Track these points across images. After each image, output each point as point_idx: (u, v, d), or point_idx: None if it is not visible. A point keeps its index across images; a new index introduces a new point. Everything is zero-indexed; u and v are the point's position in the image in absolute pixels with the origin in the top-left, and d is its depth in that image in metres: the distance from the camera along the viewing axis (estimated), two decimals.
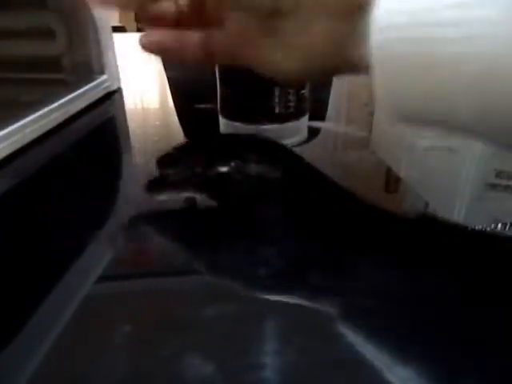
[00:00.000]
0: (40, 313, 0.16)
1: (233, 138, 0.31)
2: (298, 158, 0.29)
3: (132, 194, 0.25)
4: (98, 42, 0.38)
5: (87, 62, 0.39)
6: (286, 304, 0.16)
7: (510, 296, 0.17)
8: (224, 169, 0.26)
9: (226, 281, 0.18)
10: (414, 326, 0.16)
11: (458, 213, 0.22)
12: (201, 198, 0.24)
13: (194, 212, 0.23)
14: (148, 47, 0.26)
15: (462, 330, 0.15)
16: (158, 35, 0.26)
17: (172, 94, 0.45)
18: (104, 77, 0.40)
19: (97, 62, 0.39)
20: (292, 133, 0.32)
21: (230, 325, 0.15)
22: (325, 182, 0.26)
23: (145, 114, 0.40)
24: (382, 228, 0.22)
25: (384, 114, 0.19)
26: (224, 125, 0.32)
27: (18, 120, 0.28)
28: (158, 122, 0.39)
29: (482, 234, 0.21)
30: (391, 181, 0.27)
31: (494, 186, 0.21)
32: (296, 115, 0.32)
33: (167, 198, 0.25)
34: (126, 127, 0.37)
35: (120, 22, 1.23)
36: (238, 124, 0.31)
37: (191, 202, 0.24)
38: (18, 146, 0.28)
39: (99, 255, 0.19)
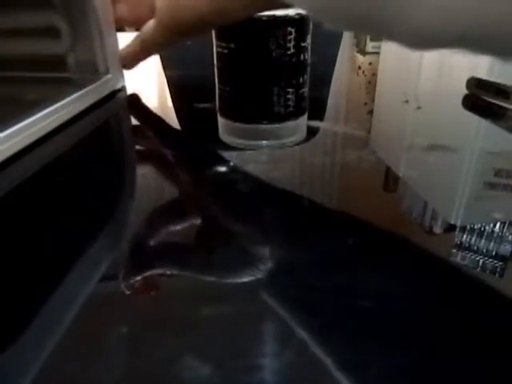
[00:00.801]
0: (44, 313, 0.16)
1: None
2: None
3: (137, 193, 0.25)
4: (102, 41, 0.38)
5: (92, 61, 0.39)
6: (285, 304, 0.16)
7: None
8: (223, 168, 0.26)
9: (222, 280, 0.18)
10: (413, 326, 0.15)
11: (456, 212, 0.22)
12: (199, 197, 0.24)
13: (192, 211, 0.23)
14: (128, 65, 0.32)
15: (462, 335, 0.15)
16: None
17: (171, 93, 0.45)
18: (109, 75, 0.39)
19: (101, 61, 0.39)
20: (291, 132, 0.32)
21: (227, 325, 0.15)
22: (322, 181, 0.26)
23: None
24: (380, 228, 0.22)
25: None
26: (223, 124, 0.32)
27: (23, 119, 0.28)
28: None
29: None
30: (390, 180, 0.27)
31: (492, 185, 0.21)
32: (295, 114, 0.32)
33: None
34: (130, 126, 0.37)
35: None
36: (236, 124, 0.31)
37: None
38: (23, 144, 0.28)
39: (99, 256, 0.19)
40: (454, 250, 0.20)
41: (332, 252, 0.20)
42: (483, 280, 0.18)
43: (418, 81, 0.49)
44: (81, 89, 0.35)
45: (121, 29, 0.42)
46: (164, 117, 0.37)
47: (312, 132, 0.33)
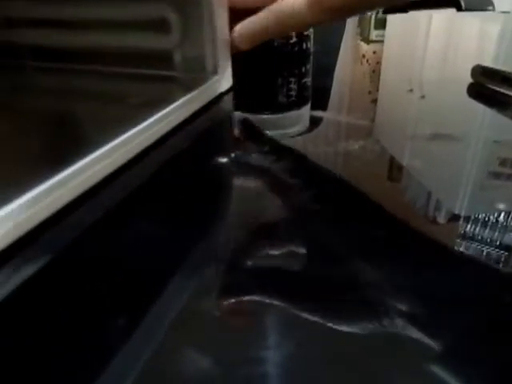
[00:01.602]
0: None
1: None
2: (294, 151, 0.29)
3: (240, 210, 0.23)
4: (213, 36, 0.34)
5: (200, 59, 0.35)
6: (286, 296, 0.16)
7: None
8: (224, 160, 0.26)
9: (221, 274, 0.18)
10: (411, 322, 0.15)
11: (461, 202, 0.22)
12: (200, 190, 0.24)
13: (193, 203, 0.23)
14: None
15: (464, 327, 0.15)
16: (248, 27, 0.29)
17: None
18: (216, 76, 0.35)
19: (210, 58, 0.34)
20: (294, 122, 0.32)
21: (228, 318, 0.15)
22: (325, 172, 0.26)
23: None
24: (384, 217, 0.21)
25: None
26: None
27: (127, 130, 0.24)
28: None
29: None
30: (394, 170, 0.27)
31: (497, 175, 0.21)
32: (298, 104, 0.31)
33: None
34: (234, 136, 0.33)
35: None
36: (238, 113, 0.31)
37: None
38: (129, 156, 0.24)
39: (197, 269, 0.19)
40: (458, 240, 0.20)
41: (332, 243, 0.19)
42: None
43: (423, 69, 0.48)
44: (188, 91, 0.31)
45: None
46: None
47: (315, 122, 0.33)
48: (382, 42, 0.62)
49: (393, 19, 0.66)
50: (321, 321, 0.15)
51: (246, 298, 0.16)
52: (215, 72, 0.34)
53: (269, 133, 0.30)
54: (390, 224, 0.21)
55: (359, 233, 0.20)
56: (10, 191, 0.17)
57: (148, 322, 0.15)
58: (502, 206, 0.22)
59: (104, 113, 0.24)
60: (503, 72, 0.36)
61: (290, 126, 0.31)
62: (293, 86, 0.31)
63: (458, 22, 0.73)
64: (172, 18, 0.34)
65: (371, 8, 0.28)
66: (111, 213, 0.21)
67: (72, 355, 0.14)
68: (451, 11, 0.79)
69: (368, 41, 0.66)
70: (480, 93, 0.38)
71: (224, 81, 0.35)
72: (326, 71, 0.46)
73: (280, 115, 0.31)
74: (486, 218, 0.22)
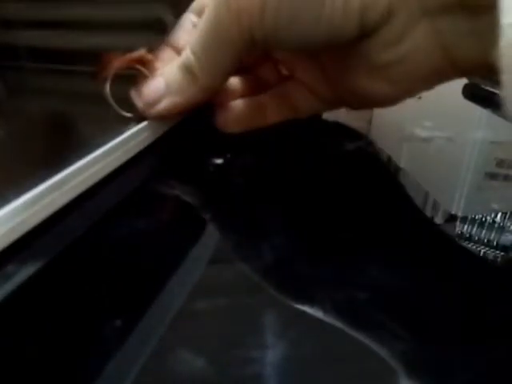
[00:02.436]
0: None
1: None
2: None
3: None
4: None
5: None
6: (280, 297, 0.16)
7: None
8: (219, 160, 0.26)
9: (216, 273, 0.18)
10: (409, 319, 0.15)
11: (457, 202, 0.22)
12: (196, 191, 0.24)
13: (188, 203, 0.23)
14: (231, 127, 0.24)
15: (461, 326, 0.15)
16: (235, 111, 0.24)
17: None
18: None
19: None
20: None
21: (222, 318, 0.15)
22: (320, 173, 0.26)
23: None
24: (381, 219, 0.21)
25: None
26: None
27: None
28: None
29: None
30: (391, 170, 0.27)
31: (494, 175, 0.21)
32: None
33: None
34: None
35: None
36: None
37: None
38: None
39: None
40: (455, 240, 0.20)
41: (329, 244, 0.20)
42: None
43: None
44: None
45: None
46: None
47: (312, 122, 0.33)
48: None
49: None
50: (317, 320, 0.15)
51: (241, 297, 0.17)
52: None
53: None
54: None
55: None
56: (7, 193, 0.17)
57: (145, 323, 0.15)
58: (498, 207, 0.22)
59: (103, 114, 0.24)
60: None
61: None
62: None
63: None
64: (168, 19, 0.34)
65: None
66: (108, 214, 0.21)
67: (68, 356, 0.14)
68: None
69: None
70: (475, 93, 0.38)
71: None
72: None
73: None
74: (483, 219, 0.22)
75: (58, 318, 0.15)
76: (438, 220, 0.22)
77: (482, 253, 0.19)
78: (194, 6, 0.24)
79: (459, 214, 0.22)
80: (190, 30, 0.24)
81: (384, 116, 0.31)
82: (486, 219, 0.22)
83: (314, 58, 0.21)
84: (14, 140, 0.25)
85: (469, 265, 0.19)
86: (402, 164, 0.27)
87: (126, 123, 0.24)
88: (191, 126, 0.28)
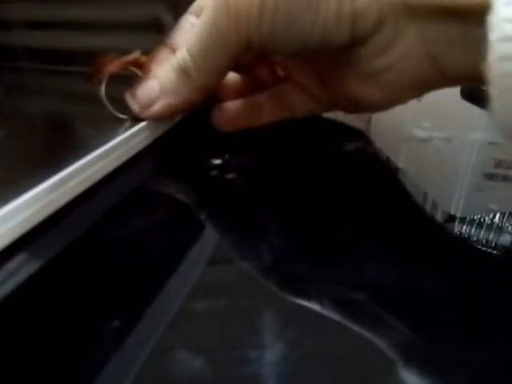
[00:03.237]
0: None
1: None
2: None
3: None
4: None
5: None
6: (278, 297, 0.16)
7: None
8: (218, 161, 0.26)
9: (215, 273, 0.18)
10: (407, 318, 0.15)
11: (456, 203, 0.22)
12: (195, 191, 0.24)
13: (187, 204, 0.23)
14: (227, 126, 0.24)
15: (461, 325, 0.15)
16: (232, 110, 0.24)
17: None
18: None
19: None
20: None
21: (221, 318, 0.15)
22: (319, 172, 0.26)
23: None
24: (380, 218, 0.22)
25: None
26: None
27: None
28: None
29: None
30: (390, 171, 0.27)
31: (492, 176, 0.21)
32: None
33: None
34: None
35: None
36: None
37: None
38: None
39: None
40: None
41: (328, 243, 0.20)
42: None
43: None
44: None
45: None
46: None
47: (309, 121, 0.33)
48: None
49: None
50: (316, 320, 0.15)
51: (240, 297, 0.17)
52: None
53: None
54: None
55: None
56: (7, 193, 0.17)
57: (144, 323, 0.15)
58: (497, 207, 0.22)
59: (103, 114, 0.24)
60: None
61: None
62: None
63: None
64: (167, 19, 0.34)
65: None
66: (107, 214, 0.21)
67: (68, 356, 0.14)
68: None
69: None
70: (474, 94, 0.38)
71: None
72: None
73: None
74: (482, 219, 0.22)
75: (57, 318, 0.15)
76: (437, 220, 0.22)
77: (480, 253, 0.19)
78: (193, 7, 0.24)
79: (458, 215, 0.22)
80: (188, 32, 0.24)
81: (383, 116, 0.31)
82: (484, 220, 0.22)
83: (310, 62, 0.22)
84: (13, 140, 0.25)
85: (468, 264, 0.19)
86: (401, 164, 0.27)
87: (123, 124, 0.24)
88: (190, 126, 0.28)
